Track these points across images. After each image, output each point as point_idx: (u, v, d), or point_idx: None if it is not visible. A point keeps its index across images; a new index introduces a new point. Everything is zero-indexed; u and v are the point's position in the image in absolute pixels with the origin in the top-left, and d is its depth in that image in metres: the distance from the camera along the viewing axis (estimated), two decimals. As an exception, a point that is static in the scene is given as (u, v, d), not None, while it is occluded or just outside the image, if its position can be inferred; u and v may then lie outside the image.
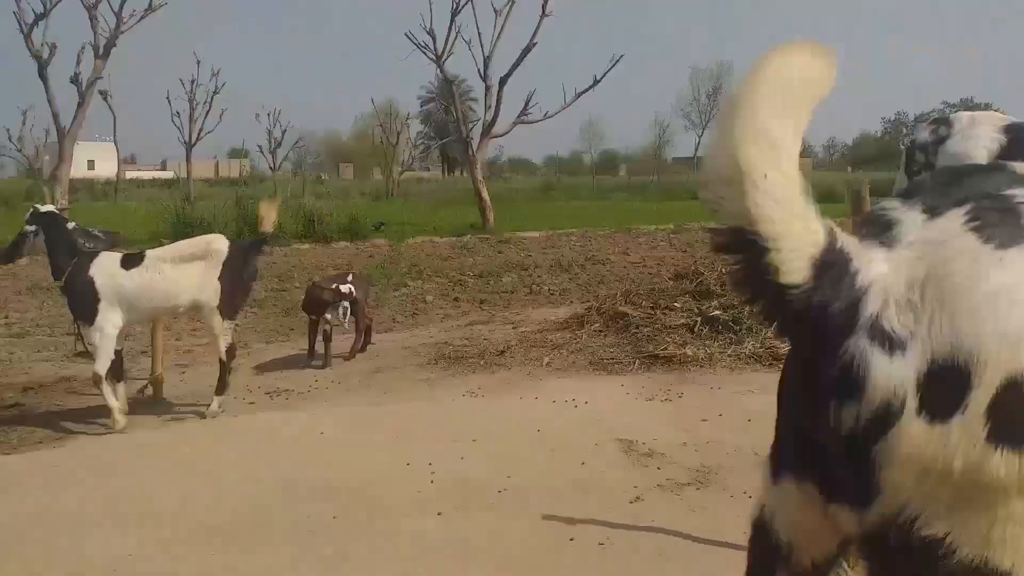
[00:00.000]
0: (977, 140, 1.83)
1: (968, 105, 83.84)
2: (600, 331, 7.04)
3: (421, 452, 3.99)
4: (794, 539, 1.25)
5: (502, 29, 18.05)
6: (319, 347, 6.63)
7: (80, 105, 16.19)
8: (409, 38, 17.99)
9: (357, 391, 5.73)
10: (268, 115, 37.38)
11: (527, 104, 18.40)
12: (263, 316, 8.98)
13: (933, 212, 1.16)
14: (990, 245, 1.09)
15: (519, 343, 6.89)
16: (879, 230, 1.15)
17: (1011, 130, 1.85)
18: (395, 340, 7.60)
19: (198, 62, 31.75)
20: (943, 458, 1.04)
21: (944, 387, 1.04)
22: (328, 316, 6.46)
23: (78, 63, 16.41)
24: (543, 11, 17.95)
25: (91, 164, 50.70)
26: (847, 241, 1.13)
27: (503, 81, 17.90)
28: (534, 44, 17.54)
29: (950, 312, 1.05)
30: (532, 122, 18.79)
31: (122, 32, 16.48)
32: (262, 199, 7.59)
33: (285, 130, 37.39)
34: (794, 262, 1.08)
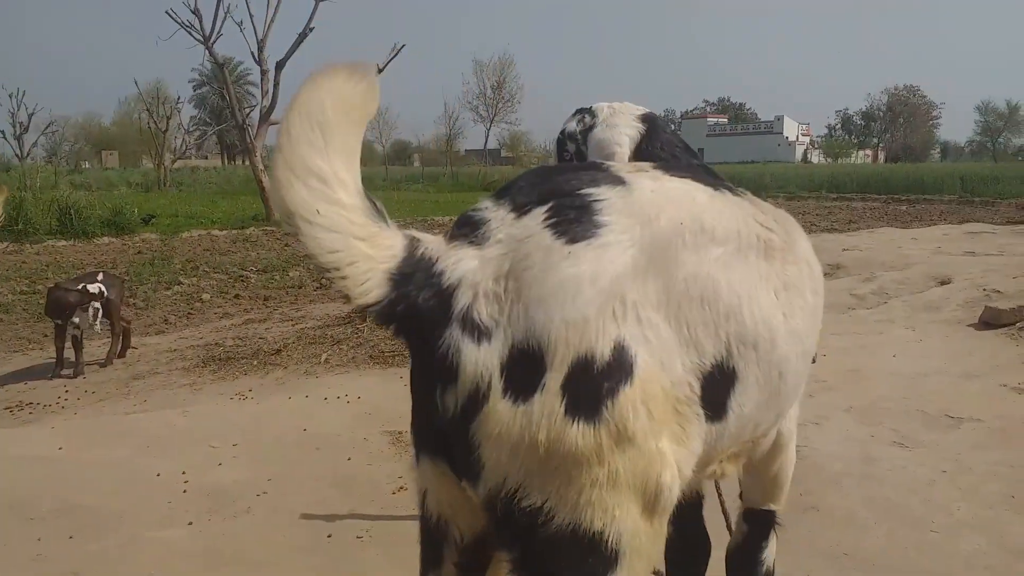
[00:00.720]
0: (619, 128, 2.01)
1: (725, 104, 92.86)
2: (383, 324, 7.05)
3: (175, 461, 3.80)
4: (444, 513, 1.35)
5: (276, 12, 17.38)
6: (69, 354, 6.06)
7: None
8: (171, 16, 16.74)
9: (112, 400, 5.32)
10: (11, 96, 33.05)
11: (308, 91, 17.87)
12: (10, 322, 8.05)
13: (521, 210, 1.28)
14: (562, 240, 1.22)
15: (297, 340, 6.73)
16: (469, 230, 1.28)
17: (646, 120, 2.04)
18: (162, 343, 7.12)
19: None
20: (529, 434, 1.16)
21: (524, 370, 1.17)
22: (76, 320, 5.91)
23: None
24: (318, -5, 17.45)
25: None
26: (430, 247, 1.24)
27: (280, 66, 17.24)
28: (311, 29, 17.06)
29: (525, 302, 1.18)
30: (315, 109, 18.29)
31: None
32: None
33: (32, 113, 33.30)
34: (365, 284, 1.17)
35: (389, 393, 5.10)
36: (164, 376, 5.86)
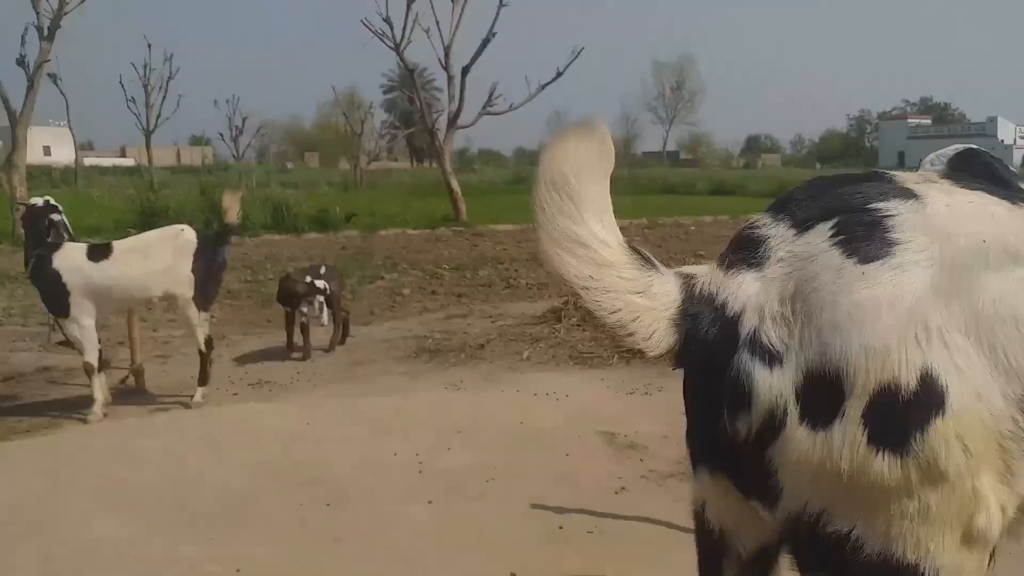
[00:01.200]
0: (926, 169, 1.96)
1: (927, 104, 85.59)
2: (578, 325, 7.13)
3: (407, 443, 4.07)
4: (724, 526, 1.33)
5: (460, 18, 18.00)
6: (297, 339, 6.64)
7: (29, 89, 15.54)
8: (365, 25, 17.81)
9: (338, 383, 5.76)
10: (227, 102, 36.76)
11: (491, 95, 18.42)
12: (238, 307, 8.93)
13: (802, 226, 1.22)
14: (853, 259, 1.15)
15: (498, 337, 6.97)
16: (747, 252, 1.24)
17: (952, 161, 1.96)
18: (374, 333, 7.62)
19: (149, 46, 30.95)
20: (830, 461, 1.11)
21: (821, 396, 1.12)
22: (304, 309, 6.47)
23: (23, 44, 15.84)
24: (500, 1, 17.88)
25: (47, 150, 49.30)
26: (707, 281, 1.23)
27: (465, 71, 17.86)
28: (494, 34, 17.55)
29: (817, 326, 1.13)
30: (497, 113, 18.82)
31: (66, 13, 15.59)
32: (226, 188, 7.53)
33: (245, 117, 36.83)
34: (652, 337, 1.18)
35: (596, 394, 5.18)
36: (382, 364, 6.28)
